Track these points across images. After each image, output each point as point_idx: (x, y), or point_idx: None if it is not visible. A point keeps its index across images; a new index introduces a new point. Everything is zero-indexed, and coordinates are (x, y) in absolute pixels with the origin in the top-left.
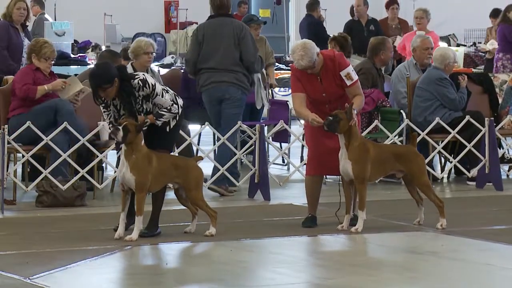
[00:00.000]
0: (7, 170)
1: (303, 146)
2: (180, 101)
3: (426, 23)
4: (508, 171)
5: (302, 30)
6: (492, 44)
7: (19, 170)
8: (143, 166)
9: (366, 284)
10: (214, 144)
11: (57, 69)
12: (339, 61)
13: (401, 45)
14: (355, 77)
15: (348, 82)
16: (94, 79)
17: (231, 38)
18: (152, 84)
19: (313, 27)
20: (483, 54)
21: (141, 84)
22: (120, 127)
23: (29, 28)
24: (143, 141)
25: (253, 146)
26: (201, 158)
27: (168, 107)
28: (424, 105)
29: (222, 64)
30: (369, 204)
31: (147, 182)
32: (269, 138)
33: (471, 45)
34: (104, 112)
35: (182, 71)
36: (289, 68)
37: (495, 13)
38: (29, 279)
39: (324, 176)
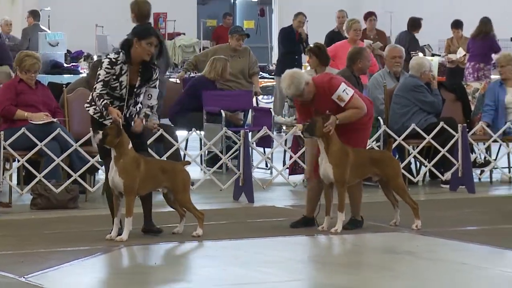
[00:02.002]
0: (3, 174)
1: (285, 151)
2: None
3: (359, 34)
4: (480, 174)
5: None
6: (460, 53)
7: (14, 175)
8: (131, 170)
9: (345, 282)
10: (201, 149)
11: (50, 78)
12: (328, 86)
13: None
14: (348, 95)
15: (342, 104)
16: (150, 30)
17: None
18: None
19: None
20: (446, 63)
21: (157, 72)
22: (100, 132)
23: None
24: (130, 145)
25: (238, 151)
26: (188, 163)
27: (152, 105)
28: (402, 112)
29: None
30: (348, 206)
31: (135, 185)
32: (253, 143)
33: (445, 55)
34: (101, 84)
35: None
36: (273, 77)
37: (456, 24)
38: (24, 278)
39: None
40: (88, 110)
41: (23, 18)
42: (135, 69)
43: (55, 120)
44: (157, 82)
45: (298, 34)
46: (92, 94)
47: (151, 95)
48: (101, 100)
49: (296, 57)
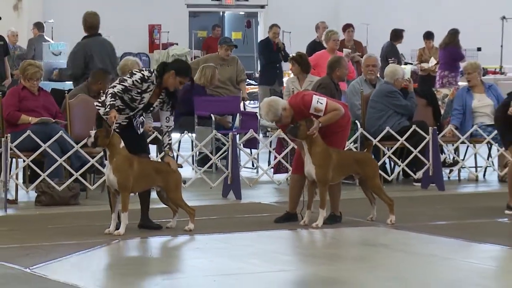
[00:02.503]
0: (9, 173)
1: (270, 152)
2: None
3: (337, 44)
4: (449, 173)
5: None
6: (432, 62)
7: (20, 174)
8: (124, 168)
9: (326, 273)
10: (192, 150)
11: (54, 85)
12: (302, 103)
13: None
14: (323, 104)
15: (321, 113)
16: (188, 71)
17: (111, 53)
18: None
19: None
20: (418, 71)
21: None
22: (92, 134)
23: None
24: (122, 145)
25: (227, 152)
26: (180, 166)
27: (170, 127)
28: (377, 115)
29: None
30: (328, 203)
31: (129, 182)
32: (240, 145)
33: (417, 64)
34: (122, 88)
35: None
36: (257, 83)
37: (428, 35)
38: (29, 269)
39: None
40: (99, 109)
41: (28, 29)
42: (159, 91)
43: (52, 120)
44: (172, 109)
45: (276, 44)
46: (106, 92)
47: (168, 118)
48: (112, 99)
49: (277, 65)
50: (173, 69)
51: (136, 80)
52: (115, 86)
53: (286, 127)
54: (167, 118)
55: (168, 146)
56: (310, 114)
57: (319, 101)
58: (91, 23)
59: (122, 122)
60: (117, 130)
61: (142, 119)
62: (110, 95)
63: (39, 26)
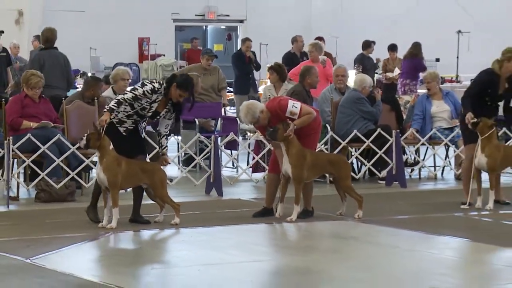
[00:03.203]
0: (11, 173)
1: (249, 153)
2: None
3: (317, 55)
4: (411, 172)
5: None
6: (396, 72)
7: (21, 173)
8: (113, 167)
9: (299, 263)
10: (178, 151)
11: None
12: (279, 107)
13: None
14: (297, 108)
15: (295, 116)
16: (188, 86)
17: (64, 64)
18: None
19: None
20: (383, 79)
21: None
22: (84, 137)
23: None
24: (111, 146)
25: (209, 153)
26: (165, 152)
27: (167, 133)
28: (346, 120)
29: (57, 81)
30: (301, 199)
31: (118, 180)
32: (221, 146)
33: (382, 73)
34: (132, 96)
35: None
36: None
37: (392, 47)
38: (29, 259)
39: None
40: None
41: (28, 41)
42: (165, 102)
43: (52, 124)
44: (173, 119)
45: (247, 57)
46: (118, 97)
47: (168, 125)
48: (115, 105)
49: (250, 75)
50: (175, 82)
51: (147, 91)
52: (126, 93)
53: (263, 128)
54: (167, 125)
55: (165, 148)
56: (285, 117)
57: (294, 105)
58: (47, 37)
59: (129, 126)
60: (124, 134)
61: (145, 124)
62: (116, 100)
63: (39, 38)
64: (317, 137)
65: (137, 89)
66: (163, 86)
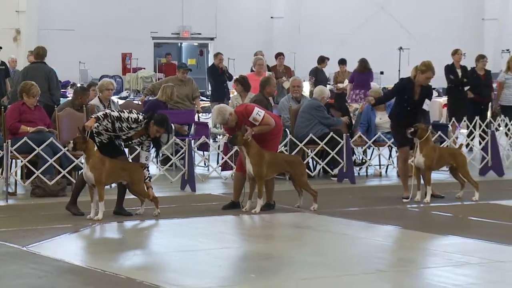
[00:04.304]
0: (10, 171)
1: (218, 153)
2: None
3: (264, 68)
4: (359, 170)
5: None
6: (346, 83)
7: (19, 171)
8: (98, 166)
9: (262, 249)
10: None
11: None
12: (246, 112)
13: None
14: (260, 116)
15: (257, 123)
16: (164, 123)
17: (45, 76)
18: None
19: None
20: (335, 89)
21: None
22: (71, 141)
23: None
24: (95, 148)
25: (184, 154)
26: (144, 165)
27: (147, 165)
28: (304, 124)
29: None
30: (264, 194)
31: (103, 178)
32: (195, 148)
33: (333, 84)
34: (117, 116)
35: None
36: (209, 99)
37: (342, 61)
38: (25, 247)
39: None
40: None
41: (25, 56)
42: (141, 133)
43: (46, 129)
44: (151, 151)
45: (220, 69)
46: (106, 111)
47: (147, 157)
48: (104, 117)
49: (224, 85)
50: (153, 119)
51: (130, 118)
52: (113, 111)
53: (230, 130)
54: (147, 157)
55: (148, 179)
56: (249, 122)
57: (258, 113)
58: (37, 53)
59: (104, 140)
60: (98, 144)
61: (118, 142)
62: (104, 113)
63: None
64: (277, 141)
65: (124, 112)
66: (145, 120)
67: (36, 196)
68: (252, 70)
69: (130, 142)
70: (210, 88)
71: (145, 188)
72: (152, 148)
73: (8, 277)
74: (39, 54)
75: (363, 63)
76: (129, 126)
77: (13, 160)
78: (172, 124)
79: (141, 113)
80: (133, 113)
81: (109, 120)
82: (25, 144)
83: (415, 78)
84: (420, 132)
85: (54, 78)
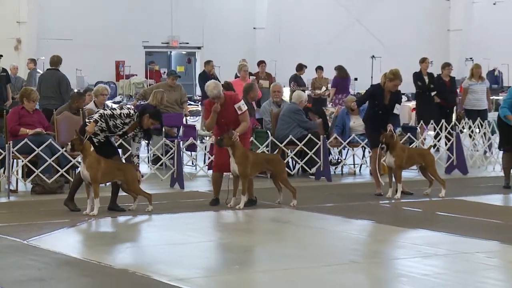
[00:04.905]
0: (12, 170)
1: (205, 154)
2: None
3: (247, 74)
4: (335, 169)
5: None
6: (323, 88)
7: (20, 171)
8: (94, 166)
9: (245, 242)
10: (148, 152)
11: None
12: (234, 98)
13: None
14: (244, 109)
15: (239, 112)
16: (159, 116)
17: (56, 81)
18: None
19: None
20: (312, 94)
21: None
22: (69, 143)
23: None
24: (92, 149)
25: (173, 154)
26: (137, 166)
27: (138, 154)
28: (285, 127)
29: (49, 94)
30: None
31: (98, 176)
32: (183, 148)
33: (311, 89)
34: (110, 114)
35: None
36: (197, 104)
37: (319, 67)
38: (26, 241)
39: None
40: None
41: (25, 63)
42: (135, 126)
43: (44, 132)
44: (142, 142)
45: (211, 75)
46: (100, 111)
47: (138, 148)
48: (100, 117)
49: None
50: (148, 113)
51: (123, 113)
52: (106, 110)
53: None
54: (137, 148)
55: (138, 165)
56: (233, 108)
57: (243, 106)
58: (51, 61)
59: (101, 139)
60: (96, 144)
61: (113, 139)
62: (99, 114)
63: (33, 61)
64: (248, 138)
65: (116, 109)
66: (136, 114)
67: (36, 193)
68: (237, 76)
69: (126, 137)
70: (197, 93)
71: (139, 187)
72: (141, 138)
73: (10, 269)
74: (54, 61)
75: (344, 70)
76: (122, 121)
77: (15, 160)
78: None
79: (131, 107)
80: (124, 109)
81: (103, 120)
82: (26, 145)
83: (384, 85)
84: (391, 142)
85: (64, 83)
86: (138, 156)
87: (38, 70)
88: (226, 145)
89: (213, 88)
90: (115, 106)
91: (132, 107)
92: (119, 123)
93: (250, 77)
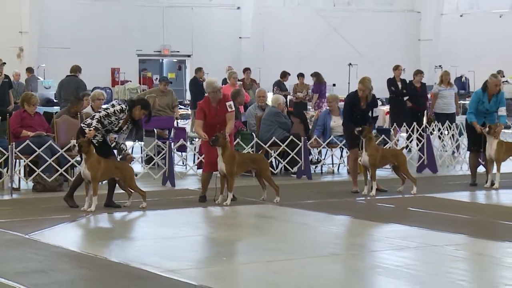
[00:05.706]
0: (14, 170)
1: (194, 154)
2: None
3: (236, 81)
4: (315, 168)
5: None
6: (304, 93)
7: (22, 170)
8: (95, 165)
9: (231, 235)
10: (141, 153)
11: (45, 109)
12: (227, 97)
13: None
14: (233, 108)
15: (229, 109)
16: (149, 106)
17: (75, 86)
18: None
19: (193, 85)
20: (294, 99)
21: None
22: (77, 144)
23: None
24: (94, 150)
25: (165, 154)
26: (131, 157)
27: (125, 144)
28: (268, 129)
29: (69, 97)
30: (235, 188)
31: (98, 175)
32: (174, 149)
33: (293, 94)
34: (105, 114)
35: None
36: (187, 108)
37: (300, 74)
38: (27, 235)
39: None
40: (84, 128)
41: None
42: (127, 119)
43: (45, 133)
44: (134, 133)
45: (202, 81)
46: (93, 116)
47: (124, 138)
48: (97, 123)
49: (203, 94)
50: (139, 104)
51: (116, 110)
52: (100, 112)
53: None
54: (124, 138)
55: (126, 150)
56: (224, 105)
57: (233, 104)
58: (72, 69)
59: (99, 139)
60: (96, 145)
61: (108, 137)
62: (96, 119)
63: (30, 70)
64: (233, 139)
65: (109, 108)
66: (126, 107)
67: (37, 191)
68: (225, 82)
69: (121, 131)
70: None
71: (135, 184)
72: (130, 129)
73: (12, 261)
74: (73, 69)
75: (321, 76)
76: (117, 117)
77: (17, 160)
78: (154, 129)
79: (121, 102)
80: (116, 106)
81: (100, 123)
82: (27, 146)
83: (359, 92)
84: (366, 132)
85: (82, 88)
86: (125, 143)
87: (37, 77)
88: (220, 145)
89: (216, 82)
90: (105, 106)
91: (121, 102)
92: (114, 119)
93: (237, 83)
